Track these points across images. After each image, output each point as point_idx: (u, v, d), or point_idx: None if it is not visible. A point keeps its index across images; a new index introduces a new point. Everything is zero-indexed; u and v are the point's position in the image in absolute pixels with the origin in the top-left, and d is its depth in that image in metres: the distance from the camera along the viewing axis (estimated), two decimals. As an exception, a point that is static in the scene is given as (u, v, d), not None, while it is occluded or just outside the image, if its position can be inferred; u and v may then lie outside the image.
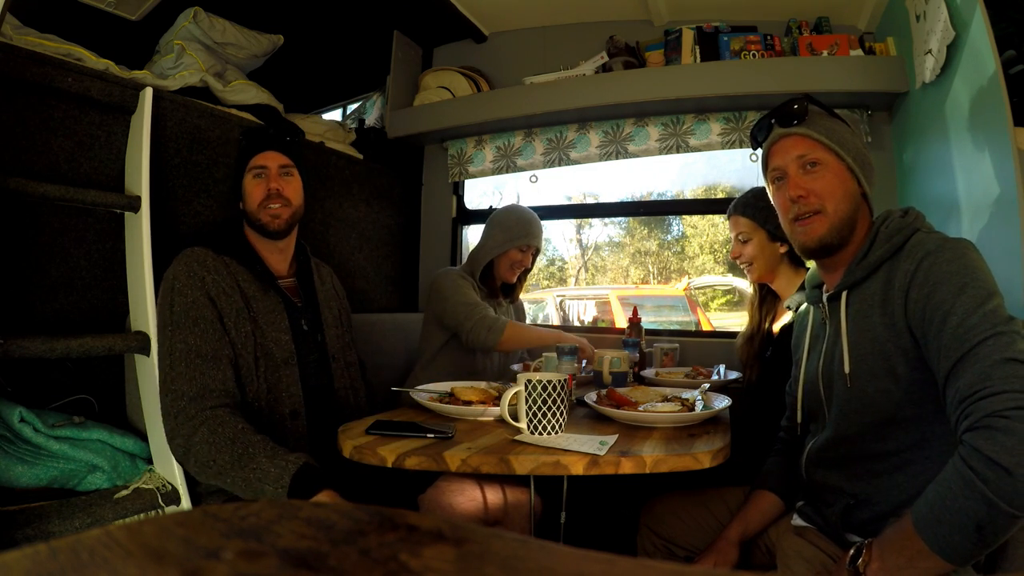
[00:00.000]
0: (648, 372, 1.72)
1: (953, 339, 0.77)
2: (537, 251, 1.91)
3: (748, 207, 1.52)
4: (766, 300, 1.60)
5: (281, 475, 0.99)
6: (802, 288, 1.47)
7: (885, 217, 0.96)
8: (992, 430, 0.68)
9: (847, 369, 0.94)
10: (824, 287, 1.06)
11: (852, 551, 0.83)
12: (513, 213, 1.88)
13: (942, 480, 0.73)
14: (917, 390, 0.87)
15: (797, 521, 1.06)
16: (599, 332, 2.35)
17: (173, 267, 1.20)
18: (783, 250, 1.51)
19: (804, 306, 1.16)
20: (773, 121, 1.04)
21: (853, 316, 0.95)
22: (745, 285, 1.69)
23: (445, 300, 1.73)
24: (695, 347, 1.98)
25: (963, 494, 0.69)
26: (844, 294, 0.97)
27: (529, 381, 1.05)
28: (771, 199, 1.07)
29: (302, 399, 1.23)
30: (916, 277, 0.85)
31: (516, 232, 1.82)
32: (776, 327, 1.53)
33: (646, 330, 1.88)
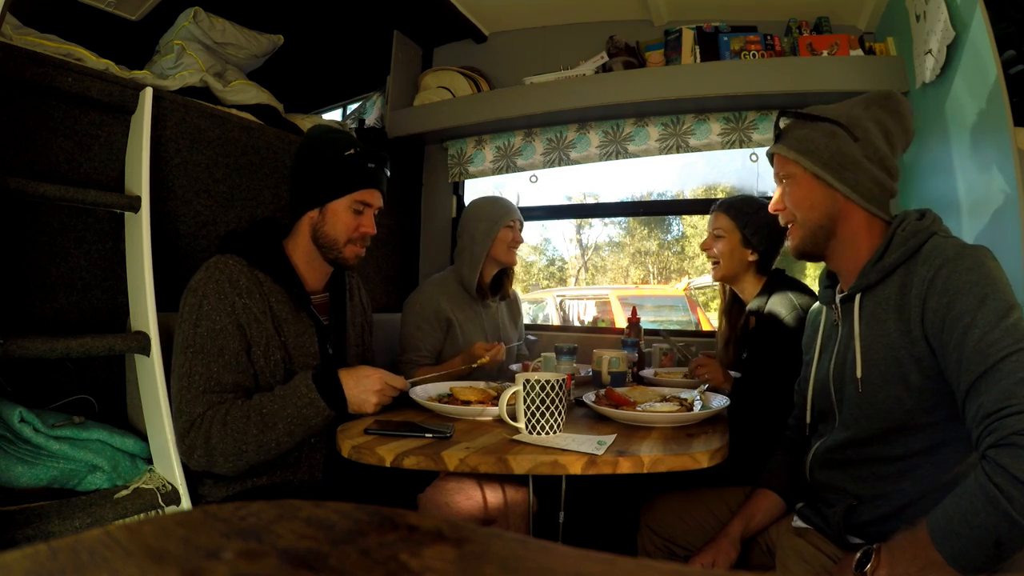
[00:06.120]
0: (647, 372, 1.72)
1: (975, 353, 0.77)
2: (522, 224, 1.85)
3: (732, 208, 1.55)
4: (732, 305, 1.63)
5: (310, 399, 1.10)
6: (763, 292, 1.49)
7: (902, 219, 0.95)
8: (1018, 448, 0.69)
9: (859, 374, 0.93)
10: (838, 287, 1.06)
11: (859, 555, 0.83)
12: (482, 202, 1.83)
13: (963, 494, 0.73)
14: (929, 399, 0.86)
15: (797, 523, 1.06)
16: (599, 332, 2.35)
17: (203, 280, 1.14)
18: (752, 258, 1.53)
19: (816, 304, 1.17)
20: None
21: (867, 320, 0.95)
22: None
23: (401, 328, 1.76)
24: (694, 347, 1.98)
25: (985, 510, 0.69)
26: (858, 296, 0.97)
27: (527, 381, 1.05)
28: None
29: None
30: (934, 285, 0.84)
31: (496, 214, 1.76)
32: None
33: (645, 330, 1.88)
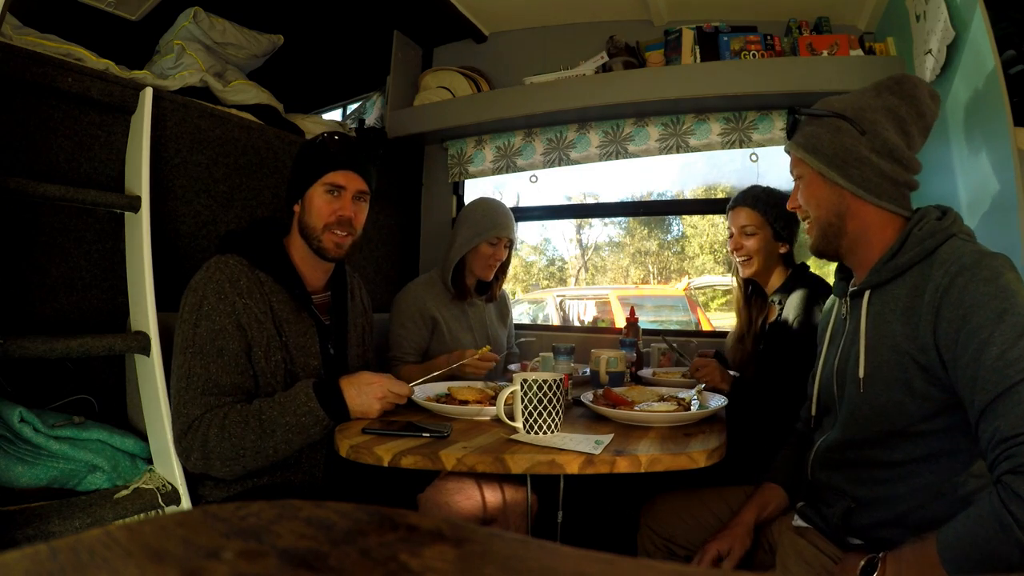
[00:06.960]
0: (645, 372, 1.72)
1: (992, 372, 0.73)
2: (510, 242, 1.83)
3: (760, 201, 1.51)
4: (752, 298, 1.61)
5: (309, 408, 1.09)
6: (785, 287, 1.48)
7: (920, 217, 0.92)
8: None
9: (861, 373, 0.92)
10: (852, 280, 1.04)
11: (864, 562, 0.82)
12: (479, 206, 1.80)
13: (976, 517, 0.72)
14: (931, 406, 0.84)
15: (797, 522, 1.06)
16: (597, 332, 2.35)
17: (203, 280, 1.14)
18: (783, 250, 1.51)
19: (832, 297, 1.16)
20: None
21: (873, 318, 0.93)
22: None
23: (389, 326, 1.76)
24: (692, 344, 1.98)
25: (998, 538, 0.68)
26: (867, 293, 0.95)
27: (524, 381, 1.05)
28: None
29: None
30: (950, 294, 0.81)
31: (483, 225, 1.74)
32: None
33: (644, 330, 1.87)
